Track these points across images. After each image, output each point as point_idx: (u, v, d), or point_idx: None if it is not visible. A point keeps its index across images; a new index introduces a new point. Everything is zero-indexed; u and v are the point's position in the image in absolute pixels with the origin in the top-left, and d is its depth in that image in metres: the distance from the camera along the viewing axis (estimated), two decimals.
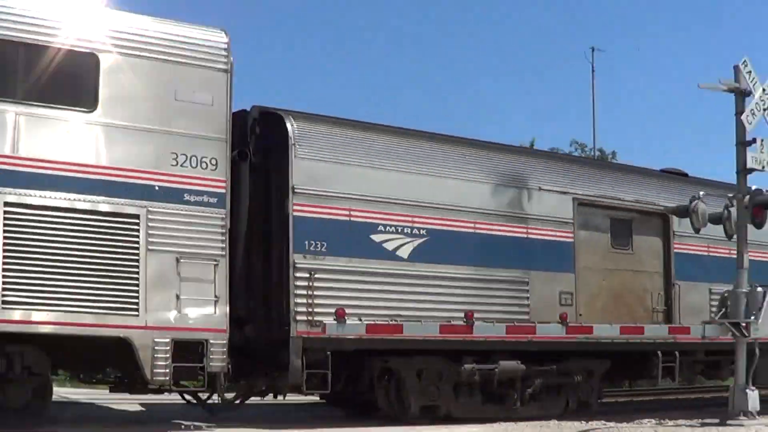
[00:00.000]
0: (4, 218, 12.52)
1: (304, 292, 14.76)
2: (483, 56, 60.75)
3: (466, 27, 63.06)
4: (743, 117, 16.84)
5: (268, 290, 15.20)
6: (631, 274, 18.85)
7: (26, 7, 13.27)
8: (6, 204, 12.52)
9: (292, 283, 14.73)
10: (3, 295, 12.35)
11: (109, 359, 14.47)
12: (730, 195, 17.25)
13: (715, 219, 17.36)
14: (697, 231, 17.87)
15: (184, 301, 13.60)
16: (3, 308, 12.32)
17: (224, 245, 14.09)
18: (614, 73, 56.36)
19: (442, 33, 62.71)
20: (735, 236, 17.08)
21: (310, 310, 14.70)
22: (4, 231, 12.50)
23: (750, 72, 16.90)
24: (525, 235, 17.41)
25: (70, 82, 13.50)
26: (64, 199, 12.99)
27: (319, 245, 15.00)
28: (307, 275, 14.77)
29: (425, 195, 16.32)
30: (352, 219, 15.40)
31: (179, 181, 13.88)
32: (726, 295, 16.88)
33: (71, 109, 13.34)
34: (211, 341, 13.63)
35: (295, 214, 14.91)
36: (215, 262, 13.91)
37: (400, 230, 15.87)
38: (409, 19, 60.69)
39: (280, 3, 61.48)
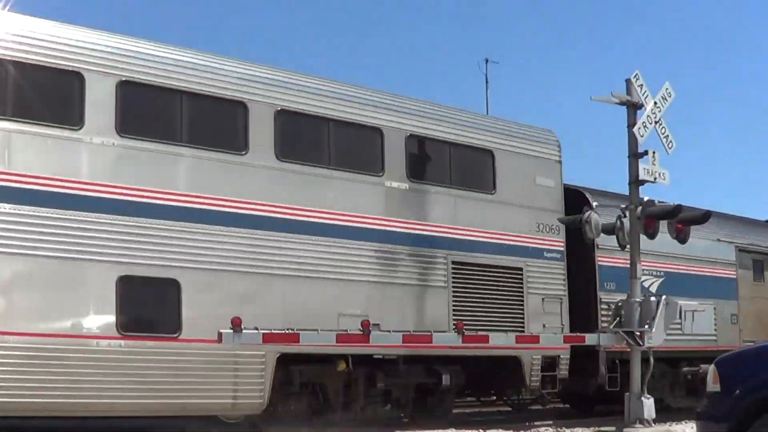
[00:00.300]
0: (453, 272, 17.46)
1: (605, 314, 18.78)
2: (375, 66, 60.74)
3: (359, 34, 62.99)
4: (635, 129, 17.19)
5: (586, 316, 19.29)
6: (764, 300, 23.78)
7: None
8: (453, 263, 17.44)
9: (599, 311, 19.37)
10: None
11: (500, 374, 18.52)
12: (623, 206, 17.58)
13: (608, 230, 17.64)
14: (591, 242, 18.18)
15: (547, 328, 18.13)
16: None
17: (565, 287, 18.86)
18: (509, 84, 56.91)
19: (333, 37, 62.47)
20: (628, 247, 17.42)
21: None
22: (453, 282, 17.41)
23: (642, 85, 17.28)
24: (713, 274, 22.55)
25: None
26: (487, 258, 17.89)
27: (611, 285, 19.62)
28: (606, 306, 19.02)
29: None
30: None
31: (541, 243, 18.77)
32: (620, 304, 17.23)
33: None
34: (561, 356, 18.12)
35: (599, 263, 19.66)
36: (560, 300, 18.70)
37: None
38: (296, 30, 60.34)
39: None
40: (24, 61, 13.71)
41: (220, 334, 13.84)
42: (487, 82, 35.68)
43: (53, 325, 13.41)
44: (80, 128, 14.06)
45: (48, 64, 13.96)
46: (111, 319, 13.79)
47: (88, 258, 13.78)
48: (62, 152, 13.92)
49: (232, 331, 13.74)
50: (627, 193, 17.89)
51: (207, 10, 57.33)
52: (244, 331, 13.86)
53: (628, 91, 17.37)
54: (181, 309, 14.41)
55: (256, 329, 14.25)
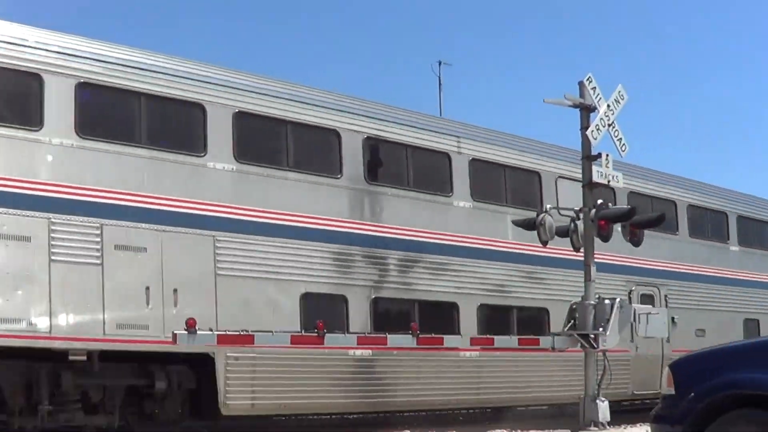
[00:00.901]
0: None
1: None
2: (325, 68, 60.49)
3: (312, 36, 62.69)
4: (588, 132, 17.21)
5: None
6: None
7: None
8: None
9: None
10: None
11: None
12: (576, 209, 17.58)
13: (562, 232, 17.65)
14: (544, 244, 18.16)
15: None
16: None
17: None
18: (461, 87, 56.90)
19: (283, 32, 62.18)
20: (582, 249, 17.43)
21: None
22: None
23: (594, 88, 17.31)
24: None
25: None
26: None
27: None
28: None
29: None
30: None
31: None
32: (574, 307, 17.24)
33: None
34: None
35: None
36: None
37: None
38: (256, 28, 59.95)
39: None
40: None
41: (174, 335, 13.85)
42: (440, 84, 35.63)
43: None
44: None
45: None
46: None
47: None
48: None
49: (186, 332, 13.84)
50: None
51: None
52: (198, 332, 13.91)
53: (581, 94, 17.38)
54: None
55: (211, 330, 14.30)
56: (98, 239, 14.43)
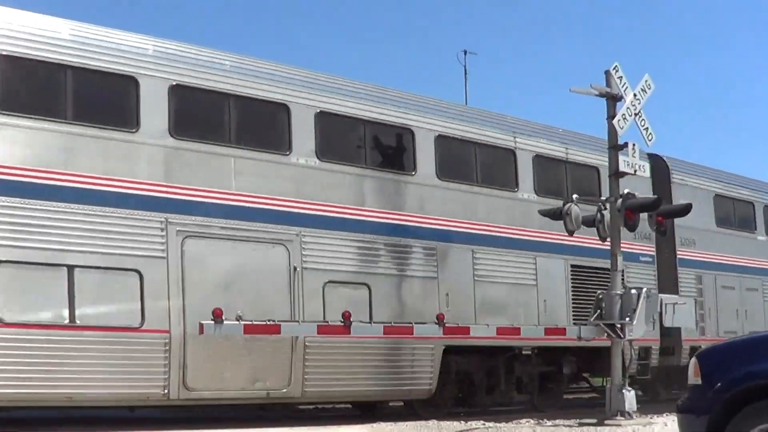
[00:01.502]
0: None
1: None
2: (355, 55, 60.69)
3: (337, 24, 62.86)
4: (614, 121, 17.14)
5: None
6: None
7: None
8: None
9: None
10: None
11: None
12: (603, 198, 17.54)
13: (589, 222, 17.60)
14: (570, 233, 18.08)
15: None
16: None
17: None
18: (487, 76, 57.00)
19: (307, 23, 62.37)
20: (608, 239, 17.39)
21: None
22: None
23: (621, 77, 17.22)
24: None
25: None
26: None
27: None
28: None
29: None
30: None
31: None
32: (601, 296, 17.21)
33: None
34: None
35: None
36: None
37: None
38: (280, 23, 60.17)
39: None
40: None
41: (201, 325, 13.97)
42: (466, 73, 35.71)
43: None
44: None
45: None
46: None
47: None
48: None
49: (213, 322, 13.87)
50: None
51: None
52: (225, 322, 14.01)
53: (608, 83, 17.31)
54: None
55: (239, 320, 14.39)
56: None
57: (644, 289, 17.06)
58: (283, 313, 15.78)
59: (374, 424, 16.16)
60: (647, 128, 17.60)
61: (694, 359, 8.63)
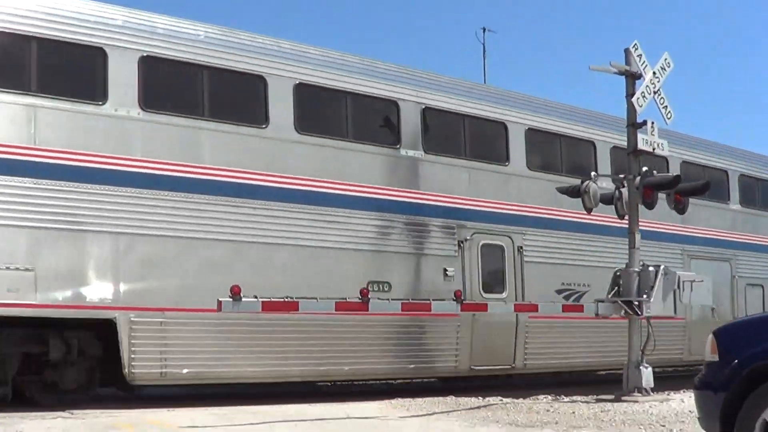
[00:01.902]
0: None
1: None
2: (371, 33, 60.57)
3: (355, 5, 62.67)
4: (634, 99, 17.19)
5: None
6: None
7: None
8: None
9: None
10: None
11: None
12: (621, 176, 17.59)
13: (607, 199, 17.65)
14: (588, 211, 18.11)
15: None
16: None
17: None
18: (506, 54, 56.82)
19: (330, 8, 62.22)
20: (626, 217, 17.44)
21: None
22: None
23: (640, 55, 17.26)
24: None
25: None
26: None
27: None
28: None
29: None
30: None
31: None
32: (618, 273, 17.28)
33: None
34: None
35: None
36: None
37: None
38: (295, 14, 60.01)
39: None
40: None
41: (219, 303, 14.05)
42: (484, 51, 35.63)
43: None
44: None
45: None
46: None
47: None
48: None
49: (231, 299, 13.97)
50: None
51: None
52: (243, 299, 14.06)
53: (627, 61, 17.35)
54: None
55: (256, 298, 14.45)
56: None
57: (662, 267, 17.13)
58: None
59: (392, 400, 16.32)
60: (666, 106, 17.62)
61: (711, 336, 8.69)
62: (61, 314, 14.24)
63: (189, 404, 15.25)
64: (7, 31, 14.36)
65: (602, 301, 17.23)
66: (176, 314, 15.13)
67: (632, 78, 17.38)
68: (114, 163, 14.88)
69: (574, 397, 16.73)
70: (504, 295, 19.20)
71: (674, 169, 21.76)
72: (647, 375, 16.52)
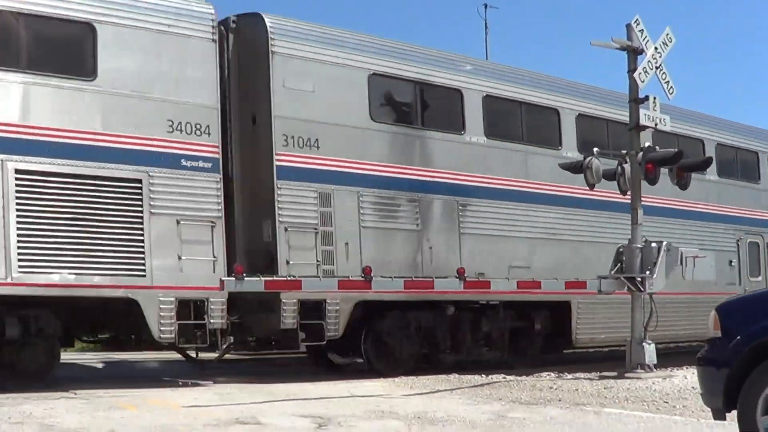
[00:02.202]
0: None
1: None
2: (371, 11, 60.21)
3: None
4: (636, 75, 17.11)
5: None
6: None
7: None
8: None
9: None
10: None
11: None
12: (624, 152, 17.52)
13: (609, 175, 17.58)
14: (591, 187, 18.00)
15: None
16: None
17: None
18: (507, 30, 56.57)
19: None
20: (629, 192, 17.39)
21: None
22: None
23: (642, 30, 17.16)
24: None
25: None
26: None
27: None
28: None
29: None
30: None
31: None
32: (621, 250, 17.25)
33: None
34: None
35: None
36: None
37: None
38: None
39: None
40: None
41: (221, 282, 14.09)
42: (486, 27, 35.54)
43: None
44: None
45: None
46: None
47: None
48: None
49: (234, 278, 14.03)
50: None
51: None
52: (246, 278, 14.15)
53: (629, 36, 17.25)
54: None
55: (259, 276, 14.53)
56: None
57: (664, 243, 17.09)
58: None
59: (396, 378, 16.35)
60: (668, 81, 17.54)
61: (713, 312, 8.67)
62: None
63: (192, 383, 15.31)
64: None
65: (605, 278, 17.24)
66: None
67: (634, 53, 17.28)
68: None
69: (578, 374, 16.75)
70: None
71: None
72: (650, 351, 16.51)
